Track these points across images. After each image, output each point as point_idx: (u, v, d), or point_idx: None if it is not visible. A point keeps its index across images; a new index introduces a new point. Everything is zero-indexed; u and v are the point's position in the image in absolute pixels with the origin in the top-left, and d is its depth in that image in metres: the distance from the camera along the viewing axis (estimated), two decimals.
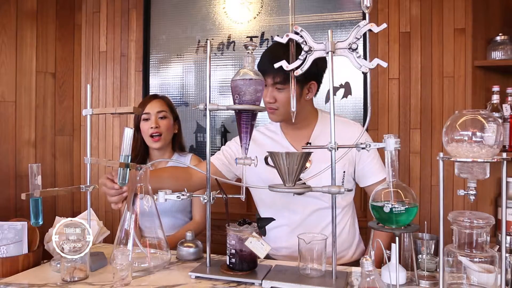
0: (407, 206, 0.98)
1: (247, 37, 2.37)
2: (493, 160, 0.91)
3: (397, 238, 0.99)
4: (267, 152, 1.10)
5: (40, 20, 2.43)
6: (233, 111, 1.17)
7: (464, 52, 2.02)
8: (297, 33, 1.09)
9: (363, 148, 1.05)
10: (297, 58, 1.10)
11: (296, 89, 1.40)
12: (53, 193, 1.22)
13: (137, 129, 1.86)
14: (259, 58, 1.45)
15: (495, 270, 0.94)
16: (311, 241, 1.10)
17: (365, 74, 1.06)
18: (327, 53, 1.07)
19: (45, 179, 2.36)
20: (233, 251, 1.14)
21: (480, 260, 0.95)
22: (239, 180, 1.60)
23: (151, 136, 1.82)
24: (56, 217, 1.37)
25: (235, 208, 2.20)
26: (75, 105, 2.60)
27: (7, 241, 1.23)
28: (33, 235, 1.31)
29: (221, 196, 1.19)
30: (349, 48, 1.06)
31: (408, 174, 2.11)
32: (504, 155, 0.90)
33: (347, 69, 2.13)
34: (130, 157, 1.20)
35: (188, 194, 1.20)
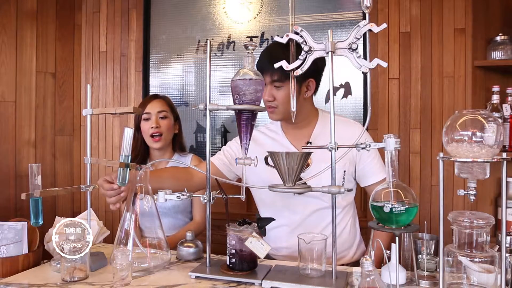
0: (407, 206, 0.98)
1: (247, 37, 2.37)
2: (493, 160, 0.91)
3: (397, 238, 0.99)
4: (267, 152, 1.10)
5: (40, 20, 2.43)
6: (233, 111, 1.17)
7: (464, 52, 2.02)
8: (297, 33, 1.09)
9: (363, 148, 1.05)
10: (297, 58, 1.10)
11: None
12: (53, 193, 1.22)
13: (137, 129, 1.86)
14: (258, 58, 1.46)
15: (495, 270, 0.94)
16: (311, 241, 1.10)
17: (365, 74, 1.06)
18: (327, 53, 1.07)
19: (45, 179, 2.36)
20: (233, 251, 1.14)
21: (480, 260, 0.95)
22: (240, 180, 1.60)
23: (152, 136, 1.81)
24: (56, 217, 1.37)
25: (235, 208, 2.20)
26: (75, 105, 2.60)
27: (7, 241, 1.23)
28: (33, 235, 1.31)
29: (221, 196, 1.19)
30: (349, 48, 1.06)
31: (408, 174, 2.11)
32: (504, 155, 0.90)
33: (347, 69, 2.13)
34: (130, 157, 1.20)
35: (188, 194, 1.20)
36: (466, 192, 0.95)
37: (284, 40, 1.10)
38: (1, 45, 2.30)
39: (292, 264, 1.24)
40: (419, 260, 1.13)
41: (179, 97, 2.51)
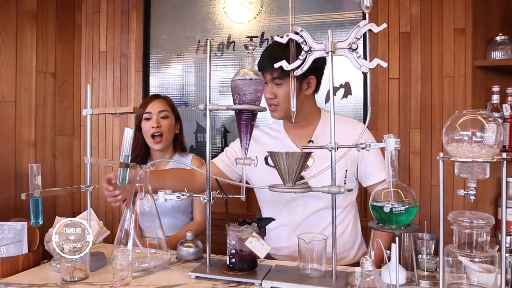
0: (407, 206, 0.98)
1: (247, 37, 2.37)
2: (493, 160, 0.91)
3: (397, 238, 0.99)
4: (267, 152, 1.10)
5: (40, 20, 2.43)
6: (233, 111, 1.17)
7: (464, 52, 2.02)
8: (297, 33, 1.09)
9: (363, 148, 1.05)
10: (297, 58, 1.10)
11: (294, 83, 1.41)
12: (53, 193, 1.22)
13: (138, 129, 1.86)
14: (259, 57, 1.46)
15: (495, 270, 0.94)
16: (311, 241, 1.10)
17: (365, 74, 1.06)
18: (327, 53, 1.07)
19: (45, 179, 2.36)
20: (233, 251, 1.14)
21: (480, 260, 0.95)
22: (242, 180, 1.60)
23: (153, 136, 1.81)
24: (56, 217, 1.37)
25: (235, 208, 2.20)
26: (75, 105, 2.60)
27: (7, 241, 1.23)
28: (33, 235, 1.31)
29: (221, 196, 1.19)
30: (349, 48, 1.06)
31: (408, 174, 2.11)
32: (504, 155, 0.90)
33: (347, 69, 2.13)
34: (130, 157, 1.20)
35: (188, 194, 1.20)
36: (466, 192, 0.95)
37: (284, 40, 1.10)
38: (1, 45, 2.30)
39: (292, 264, 1.24)
40: (419, 260, 1.13)
41: (179, 97, 2.51)
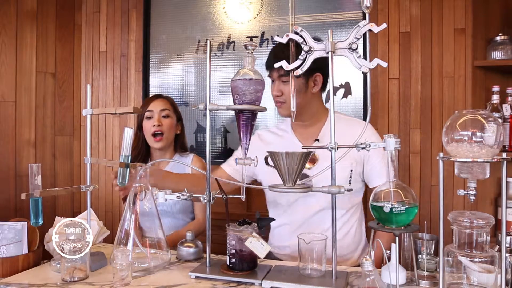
0: (407, 206, 0.98)
1: (247, 37, 2.37)
2: (493, 160, 0.91)
3: (397, 238, 0.99)
4: (267, 152, 1.10)
5: (40, 20, 2.43)
6: (233, 111, 1.17)
7: (464, 52, 2.02)
8: (297, 33, 1.09)
9: (363, 148, 1.05)
10: (297, 58, 1.10)
11: (301, 81, 1.41)
12: (53, 193, 1.22)
13: (139, 128, 1.86)
14: (267, 56, 1.48)
15: (495, 270, 0.94)
16: (311, 241, 1.10)
17: (365, 74, 1.06)
18: (327, 53, 1.07)
19: (45, 179, 2.36)
20: (233, 251, 1.14)
21: (480, 260, 0.95)
22: (254, 181, 1.61)
23: (154, 135, 1.81)
24: (56, 217, 1.37)
25: (235, 208, 2.20)
26: (75, 105, 2.60)
27: (7, 241, 1.23)
28: (33, 235, 1.31)
29: (221, 196, 1.19)
30: (349, 48, 1.06)
31: (408, 174, 2.11)
32: (504, 155, 0.90)
33: (347, 69, 2.13)
34: (130, 157, 1.20)
35: (188, 194, 1.20)
36: (466, 192, 0.95)
37: (284, 40, 1.10)
38: (1, 45, 2.30)
39: (292, 264, 1.24)
40: (419, 260, 1.13)
41: (179, 97, 2.51)
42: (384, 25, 1.04)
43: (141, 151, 1.87)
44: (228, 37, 2.41)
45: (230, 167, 1.57)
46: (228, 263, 1.16)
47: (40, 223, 1.17)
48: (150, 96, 1.95)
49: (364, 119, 2.17)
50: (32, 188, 1.14)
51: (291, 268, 1.18)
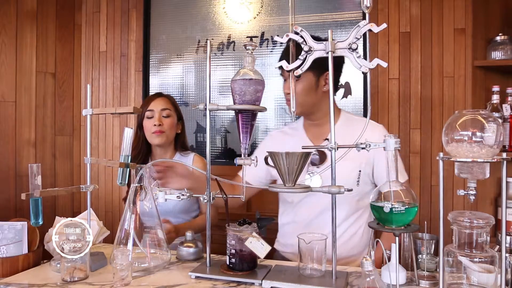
0: (407, 206, 0.98)
1: (247, 37, 2.37)
2: (493, 160, 0.91)
3: (397, 238, 0.99)
4: (267, 152, 1.10)
5: (40, 20, 2.43)
6: (233, 111, 1.17)
7: (464, 52, 2.02)
8: (297, 33, 1.09)
9: (363, 148, 1.05)
10: (297, 58, 1.10)
11: (311, 79, 1.41)
12: (53, 193, 1.22)
13: (139, 127, 1.85)
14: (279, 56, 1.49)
15: (495, 270, 0.94)
16: (311, 241, 1.10)
17: (365, 74, 1.06)
18: (327, 53, 1.07)
19: (45, 179, 2.36)
20: (233, 251, 1.14)
21: (480, 260, 0.95)
22: (275, 181, 1.61)
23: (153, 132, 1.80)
24: (56, 217, 1.37)
25: (235, 208, 2.20)
26: (75, 105, 2.60)
27: (7, 241, 1.23)
28: (33, 235, 1.31)
29: (221, 196, 1.19)
30: (349, 48, 1.06)
31: (408, 174, 2.11)
32: (504, 155, 0.90)
33: (347, 69, 2.12)
34: (130, 157, 1.20)
35: (188, 194, 1.20)
36: (466, 192, 0.95)
37: (284, 40, 1.10)
38: (1, 45, 2.30)
39: (292, 264, 1.24)
40: (419, 260, 1.13)
41: (179, 97, 2.51)
42: (384, 25, 1.04)
43: (142, 150, 1.85)
44: (228, 37, 2.41)
45: (251, 176, 1.59)
46: (228, 263, 1.16)
47: (40, 223, 1.17)
48: (151, 94, 1.94)
49: None
50: (32, 188, 1.14)
51: (291, 268, 1.18)
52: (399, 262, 1.11)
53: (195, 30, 2.48)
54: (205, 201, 1.17)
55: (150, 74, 2.56)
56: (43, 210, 1.17)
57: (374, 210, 1.01)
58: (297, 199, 1.51)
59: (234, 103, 1.15)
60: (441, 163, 0.95)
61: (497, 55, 1.95)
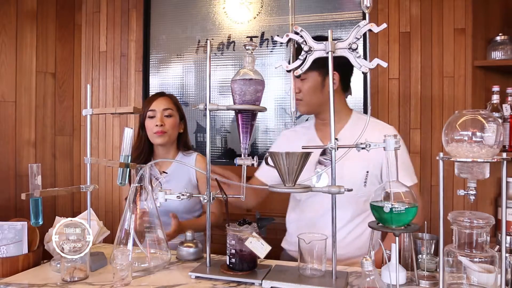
0: (407, 206, 0.98)
1: (247, 37, 2.37)
2: (493, 160, 0.91)
3: (397, 238, 0.99)
4: (267, 152, 1.11)
5: (40, 20, 2.43)
6: (233, 111, 1.17)
7: (464, 52, 2.02)
8: (297, 33, 1.09)
9: (363, 148, 1.05)
10: (297, 58, 1.10)
11: (317, 78, 1.44)
12: (53, 193, 1.22)
13: (141, 127, 1.84)
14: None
15: (495, 270, 0.94)
16: (311, 241, 1.10)
17: (365, 74, 1.06)
18: (327, 53, 1.07)
19: (45, 179, 2.36)
20: (233, 251, 1.14)
21: (480, 260, 0.95)
22: None
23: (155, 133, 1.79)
24: (56, 217, 1.37)
25: (235, 208, 2.20)
26: (75, 105, 2.60)
27: (7, 241, 1.23)
28: (33, 235, 1.31)
29: (221, 196, 1.19)
30: (349, 48, 1.06)
31: None
32: (504, 155, 0.90)
33: None
34: (130, 157, 1.20)
35: (188, 194, 1.20)
36: (466, 192, 0.95)
37: (284, 40, 1.10)
38: (1, 45, 2.30)
39: (292, 264, 1.24)
40: (419, 260, 1.13)
41: (179, 97, 2.50)
42: (384, 25, 1.04)
43: (144, 150, 1.84)
44: (228, 37, 2.41)
45: (264, 175, 1.61)
46: (228, 263, 1.16)
47: (40, 223, 1.17)
48: (153, 94, 1.92)
49: None
50: (32, 188, 1.14)
51: (291, 268, 1.18)
52: (399, 262, 1.11)
53: (195, 30, 2.48)
54: (205, 201, 1.17)
55: (150, 74, 2.56)
56: (43, 210, 1.17)
57: (374, 210, 1.01)
58: (305, 197, 1.53)
59: (234, 103, 1.15)
60: (441, 163, 0.95)
61: (497, 55, 1.95)
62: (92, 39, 2.64)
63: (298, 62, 1.10)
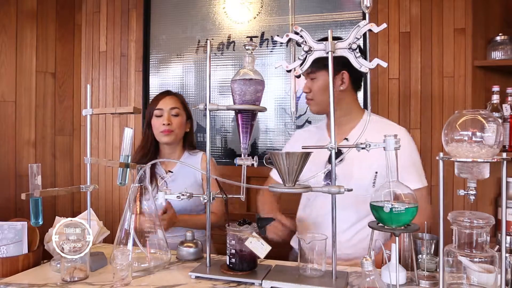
0: (407, 206, 0.98)
1: (247, 37, 2.37)
2: (493, 160, 0.91)
3: (397, 238, 0.99)
4: (268, 152, 1.11)
5: (40, 20, 2.43)
6: (233, 111, 1.17)
7: (464, 52, 2.02)
8: (297, 33, 1.09)
9: (363, 148, 1.05)
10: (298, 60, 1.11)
11: (326, 78, 1.43)
12: (53, 193, 1.22)
13: (148, 126, 1.83)
14: None
15: (495, 270, 0.94)
16: (311, 241, 1.10)
17: (365, 74, 1.06)
18: (327, 53, 1.07)
19: (45, 179, 2.36)
20: (233, 251, 1.14)
21: (480, 260, 0.95)
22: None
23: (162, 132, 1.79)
24: (56, 217, 1.37)
25: (235, 208, 2.20)
26: (75, 105, 2.60)
27: (7, 241, 1.23)
28: (33, 235, 1.31)
29: (221, 196, 1.19)
30: (349, 48, 1.06)
31: None
32: (504, 155, 0.90)
33: None
34: (130, 157, 1.20)
35: (188, 194, 1.20)
36: (466, 192, 0.95)
37: (284, 40, 1.10)
38: (1, 45, 2.30)
39: (292, 264, 1.24)
40: (419, 260, 1.13)
41: None
42: (384, 25, 1.04)
43: (150, 149, 1.82)
44: (228, 37, 2.41)
45: (277, 175, 1.61)
46: (228, 263, 1.16)
47: (40, 223, 1.17)
48: (160, 92, 1.90)
49: None
50: (32, 188, 1.14)
51: (291, 268, 1.18)
52: (399, 262, 1.11)
53: (195, 30, 2.48)
54: (205, 201, 1.17)
55: (150, 74, 2.56)
56: (43, 210, 1.17)
57: (374, 210, 1.01)
58: (313, 196, 1.53)
59: (234, 103, 1.15)
60: (441, 163, 0.95)
61: (497, 55, 1.95)
62: (92, 39, 2.64)
63: (298, 62, 1.10)
